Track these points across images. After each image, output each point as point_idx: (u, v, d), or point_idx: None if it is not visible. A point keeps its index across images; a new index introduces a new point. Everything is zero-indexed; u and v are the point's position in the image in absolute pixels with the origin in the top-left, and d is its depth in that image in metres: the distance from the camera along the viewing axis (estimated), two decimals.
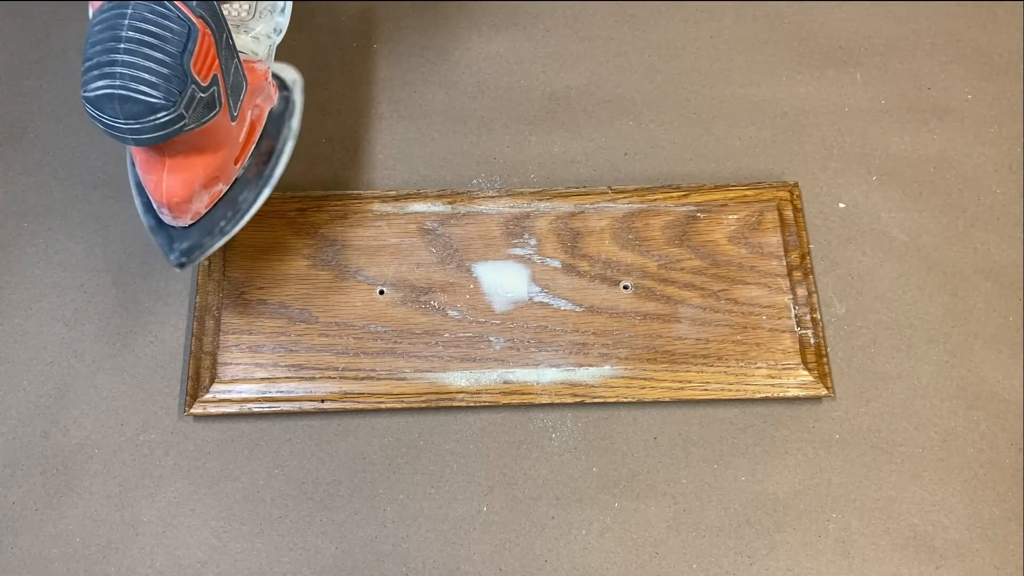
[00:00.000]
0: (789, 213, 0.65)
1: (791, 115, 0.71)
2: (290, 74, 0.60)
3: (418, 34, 0.74)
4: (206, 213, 0.54)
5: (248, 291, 0.62)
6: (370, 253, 0.63)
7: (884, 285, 0.64)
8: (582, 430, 0.60)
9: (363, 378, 0.60)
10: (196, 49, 0.46)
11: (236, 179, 0.56)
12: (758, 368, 0.60)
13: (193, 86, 0.46)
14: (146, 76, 0.44)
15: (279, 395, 0.59)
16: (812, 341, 0.61)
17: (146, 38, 0.44)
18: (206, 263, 0.63)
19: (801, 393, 0.60)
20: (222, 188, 0.55)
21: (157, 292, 0.64)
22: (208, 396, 0.59)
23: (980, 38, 0.74)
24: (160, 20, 0.45)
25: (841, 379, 0.61)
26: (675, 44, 0.74)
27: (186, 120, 0.47)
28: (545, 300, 0.62)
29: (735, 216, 0.65)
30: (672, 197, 0.65)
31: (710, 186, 0.66)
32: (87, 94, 0.45)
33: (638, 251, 0.64)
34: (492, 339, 0.61)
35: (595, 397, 0.59)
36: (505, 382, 0.60)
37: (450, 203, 0.65)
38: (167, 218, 0.53)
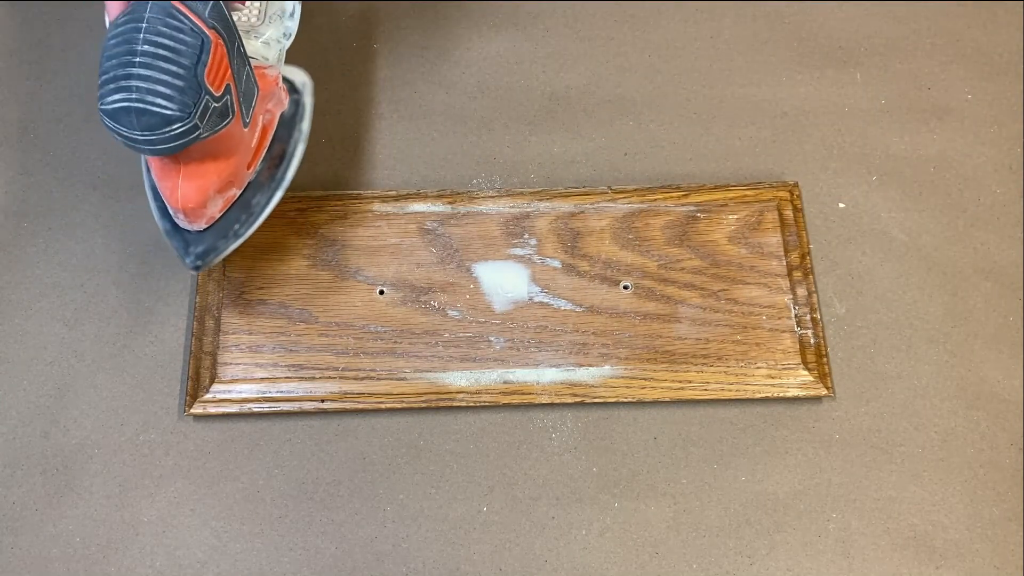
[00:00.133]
0: (789, 213, 0.65)
1: (791, 115, 0.71)
2: (299, 77, 0.61)
3: (418, 34, 0.74)
4: (220, 217, 0.55)
5: (248, 291, 0.62)
6: (370, 253, 0.63)
7: (884, 285, 0.64)
8: (582, 430, 0.60)
9: (363, 378, 0.60)
10: (209, 60, 0.47)
11: (249, 183, 0.57)
12: (758, 368, 0.60)
13: (207, 97, 0.47)
14: (161, 89, 0.45)
15: (279, 395, 0.59)
16: (812, 341, 0.61)
17: (160, 51, 0.45)
18: None
19: (801, 393, 0.60)
20: (236, 192, 0.56)
21: (157, 292, 0.64)
22: (208, 396, 0.59)
23: (980, 38, 0.74)
24: (174, 33, 0.46)
25: (841, 379, 0.61)
26: (675, 44, 0.74)
27: (201, 130, 0.48)
28: (545, 300, 0.62)
29: (735, 216, 0.65)
30: (672, 197, 0.65)
31: (710, 186, 0.66)
32: (104, 107, 0.46)
33: (638, 251, 0.64)
34: (492, 339, 0.61)
35: (595, 397, 0.59)
36: (505, 382, 0.60)
37: (450, 203, 0.65)
38: (182, 222, 0.55)
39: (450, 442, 0.60)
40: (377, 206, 0.65)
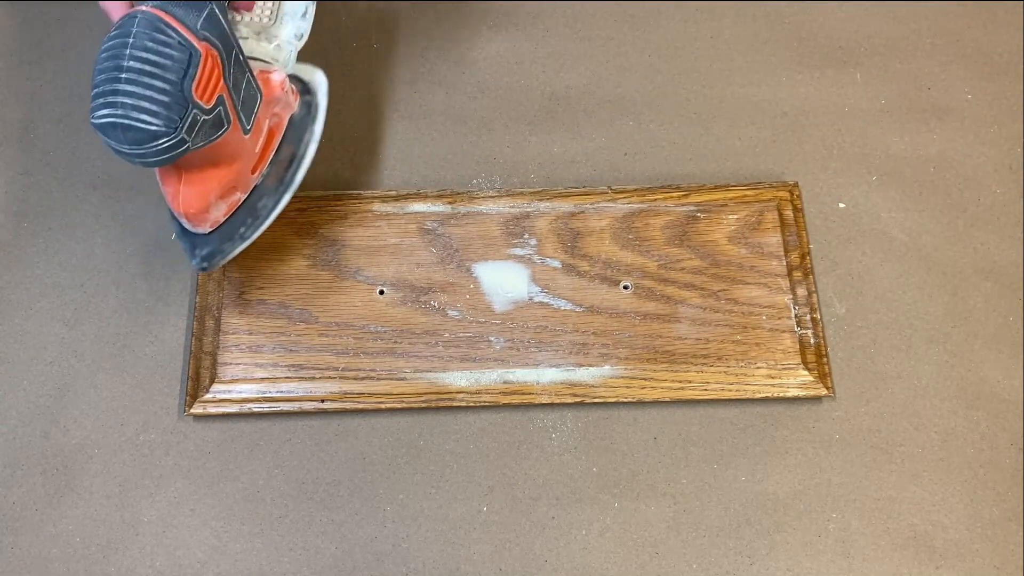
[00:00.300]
0: (789, 213, 0.65)
1: (791, 115, 0.71)
2: (314, 76, 0.60)
3: (418, 34, 0.74)
4: (226, 220, 0.56)
5: (248, 291, 0.62)
6: (370, 253, 0.63)
7: (884, 285, 0.64)
8: (582, 430, 0.60)
9: (363, 378, 0.60)
10: (198, 74, 0.47)
11: (256, 186, 0.57)
12: (758, 368, 0.60)
13: (195, 111, 0.47)
14: (146, 105, 0.45)
15: (279, 395, 0.59)
16: (812, 341, 0.61)
17: (146, 67, 0.46)
18: None
19: (801, 393, 0.60)
20: (240, 197, 0.56)
21: (157, 292, 0.64)
22: (208, 396, 0.59)
23: (980, 38, 0.74)
24: (160, 48, 0.46)
25: (841, 379, 0.61)
26: (675, 44, 0.74)
27: (189, 143, 0.48)
28: (545, 300, 0.62)
29: (735, 216, 0.65)
30: (672, 197, 0.65)
31: (710, 186, 0.66)
32: (94, 121, 0.46)
33: (638, 251, 0.64)
34: (492, 339, 0.61)
35: (595, 397, 0.59)
36: (505, 382, 0.60)
37: (450, 203, 0.65)
38: (188, 225, 0.55)
39: (450, 442, 0.60)
40: (377, 206, 0.65)
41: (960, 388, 0.61)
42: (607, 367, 0.60)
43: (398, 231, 0.64)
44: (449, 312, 0.62)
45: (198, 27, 0.48)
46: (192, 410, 0.59)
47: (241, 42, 0.54)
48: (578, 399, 0.59)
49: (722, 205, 0.65)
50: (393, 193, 0.65)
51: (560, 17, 0.75)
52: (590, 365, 0.60)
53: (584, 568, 0.57)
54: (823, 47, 0.73)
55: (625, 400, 0.59)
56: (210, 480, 0.59)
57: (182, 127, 0.47)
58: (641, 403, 0.60)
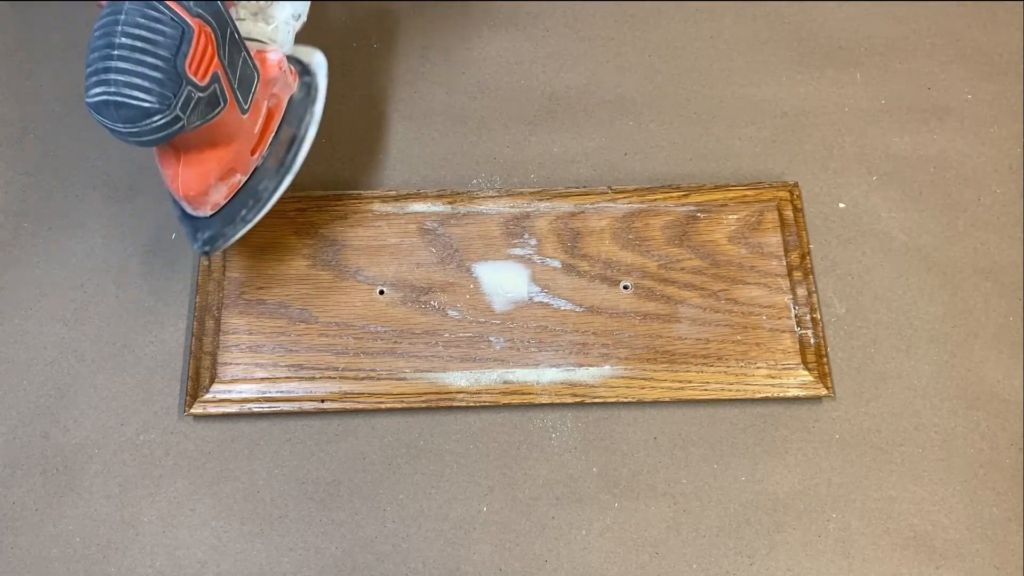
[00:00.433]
0: (789, 213, 0.65)
1: (791, 115, 0.71)
2: (313, 57, 0.59)
3: (418, 34, 0.74)
4: (227, 203, 0.55)
5: (248, 291, 0.62)
6: (370, 253, 0.63)
7: (884, 285, 0.64)
8: (582, 430, 0.60)
9: (363, 378, 0.60)
10: (191, 50, 0.46)
11: (256, 168, 0.56)
12: (758, 368, 0.60)
13: (189, 87, 0.47)
14: (138, 81, 0.45)
15: (279, 395, 0.59)
16: (812, 341, 0.61)
17: (138, 43, 0.45)
18: (206, 263, 0.63)
19: (801, 393, 0.60)
20: (240, 179, 0.55)
21: (157, 292, 0.64)
22: (208, 396, 0.59)
23: (980, 38, 0.74)
24: (152, 24, 0.45)
25: (841, 379, 0.61)
26: (675, 44, 0.74)
27: (184, 121, 0.47)
28: (545, 300, 0.62)
29: (735, 216, 0.65)
30: (672, 197, 0.65)
31: (710, 186, 0.66)
32: (88, 100, 0.46)
33: (638, 251, 0.64)
34: (492, 339, 0.61)
35: (595, 397, 0.59)
36: (505, 382, 0.60)
37: (450, 203, 0.65)
38: (188, 209, 0.54)
39: (450, 442, 0.60)
40: (377, 206, 0.65)
41: (960, 388, 0.61)
42: (607, 367, 0.60)
43: (398, 231, 0.64)
44: (449, 312, 0.62)
45: (191, 4, 0.47)
46: (192, 410, 0.59)
47: (238, 23, 0.54)
48: (578, 399, 0.59)
49: (722, 205, 0.65)
50: (393, 193, 0.65)
51: (560, 17, 0.75)
52: (590, 365, 0.60)
53: (584, 568, 0.57)
54: (823, 47, 0.73)
55: (625, 400, 0.59)
56: (210, 480, 0.59)
57: (176, 104, 0.46)
58: (641, 403, 0.60)
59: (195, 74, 0.47)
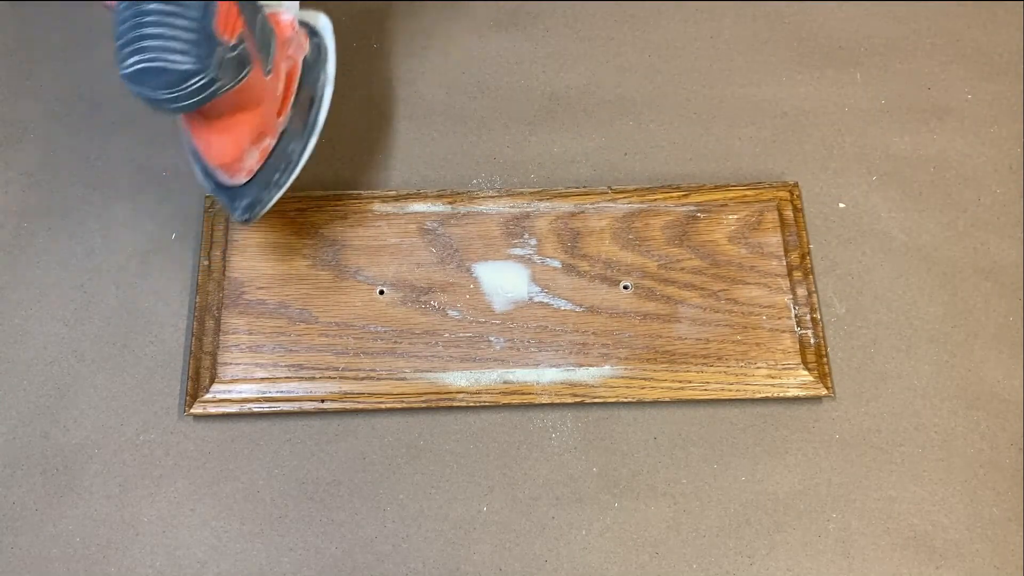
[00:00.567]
0: (789, 213, 0.65)
1: (791, 115, 0.71)
2: (318, 20, 0.60)
3: (418, 34, 0.74)
4: (260, 169, 0.55)
5: (248, 291, 0.62)
6: (370, 253, 0.63)
7: (884, 285, 0.64)
8: (582, 430, 0.60)
9: (363, 378, 0.60)
10: (218, 10, 0.46)
11: (282, 132, 0.56)
12: (758, 368, 0.60)
13: (220, 47, 0.47)
14: (174, 45, 0.45)
15: (279, 395, 0.59)
16: (812, 341, 0.61)
17: (168, 7, 0.45)
18: (206, 263, 0.63)
19: (801, 393, 0.60)
20: (270, 142, 0.55)
21: (157, 292, 0.64)
22: (208, 396, 0.59)
23: (980, 38, 0.74)
24: None
25: (841, 379, 0.61)
26: (675, 44, 0.74)
27: (220, 82, 0.47)
28: (545, 300, 0.62)
29: (735, 216, 0.65)
30: (672, 197, 0.65)
31: (710, 186, 0.66)
32: (124, 71, 0.45)
33: (638, 251, 0.64)
34: (492, 339, 0.61)
35: (595, 397, 0.59)
36: (505, 382, 0.60)
37: (450, 203, 0.65)
38: (224, 178, 0.54)
39: (450, 442, 0.60)
40: (377, 206, 0.65)
41: (960, 388, 0.61)
42: (607, 367, 0.60)
43: (398, 231, 0.64)
44: (449, 312, 0.62)
45: None
46: (192, 410, 0.59)
47: None
48: (578, 399, 0.59)
49: (722, 205, 0.65)
50: (393, 193, 0.65)
51: (560, 17, 0.75)
52: (590, 365, 0.60)
53: (584, 568, 0.57)
54: (823, 47, 0.73)
55: (625, 400, 0.59)
56: (210, 480, 0.59)
57: (212, 64, 0.46)
58: (641, 403, 0.60)
59: (224, 34, 0.47)
